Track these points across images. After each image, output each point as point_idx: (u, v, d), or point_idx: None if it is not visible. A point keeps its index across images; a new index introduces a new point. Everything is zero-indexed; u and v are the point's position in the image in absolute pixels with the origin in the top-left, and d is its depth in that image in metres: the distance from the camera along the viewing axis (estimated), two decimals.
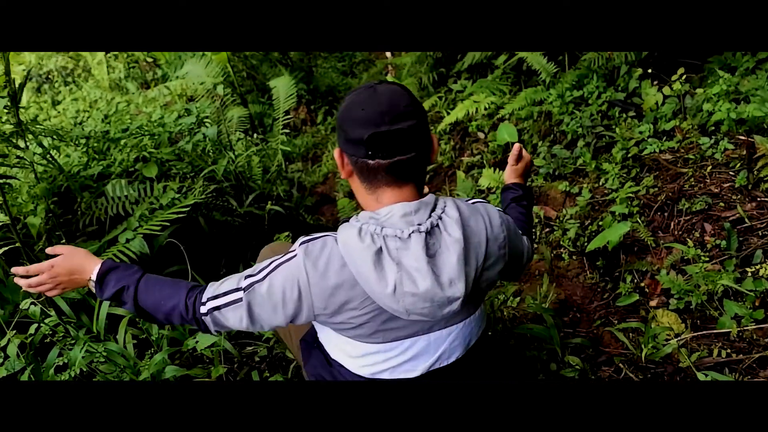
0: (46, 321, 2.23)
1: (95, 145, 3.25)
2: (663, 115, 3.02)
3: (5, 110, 2.45)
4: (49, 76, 6.70)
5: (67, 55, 6.87)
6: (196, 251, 2.90)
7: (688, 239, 2.50)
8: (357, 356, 1.39)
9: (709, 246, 2.43)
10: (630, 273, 2.59)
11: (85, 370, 2.14)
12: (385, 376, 1.40)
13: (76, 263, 1.48)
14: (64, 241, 2.57)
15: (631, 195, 2.76)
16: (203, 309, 1.38)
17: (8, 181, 2.44)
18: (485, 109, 3.85)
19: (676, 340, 2.16)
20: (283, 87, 4.67)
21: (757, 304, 2.14)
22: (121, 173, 3.07)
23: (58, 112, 5.93)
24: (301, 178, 4.85)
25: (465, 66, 4.43)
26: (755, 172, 2.50)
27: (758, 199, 2.47)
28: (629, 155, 2.98)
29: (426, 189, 1.45)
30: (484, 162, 3.81)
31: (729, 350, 2.07)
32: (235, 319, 1.36)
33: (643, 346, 2.18)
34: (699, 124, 2.87)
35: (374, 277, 1.20)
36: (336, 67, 6.85)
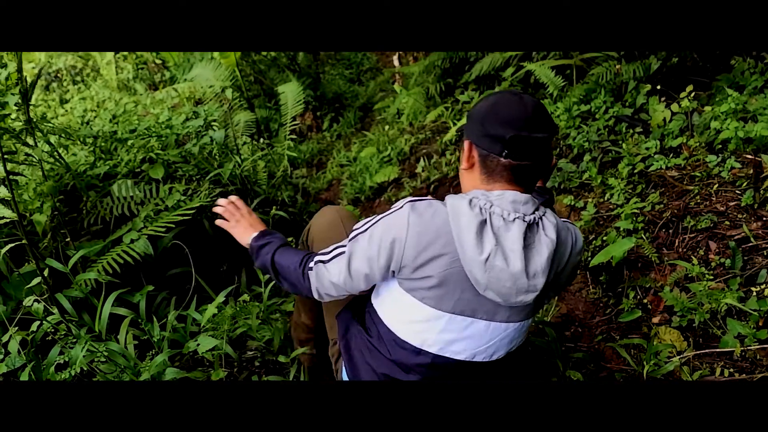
0: (49, 318, 2.23)
1: (102, 144, 3.26)
2: (670, 131, 3.03)
3: (15, 108, 2.46)
4: (58, 75, 6.73)
5: (77, 54, 6.90)
6: (199, 254, 2.90)
7: (693, 257, 2.50)
8: (416, 321, 1.45)
9: (713, 264, 2.43)
10: (633, 289, 2.59)
11: (85, 369, 2.13)
12: (433, 349, 1.47)
13: (256, 218, 1.91)
14: (69, 239, 2.58)
15: (636, 211, 2.76)
16: (311, 263, 1.57)
17: (15, 177, 2.44)
18: None
19: (678, 357, 2.15)
20: (291, 93, 4.69)
21: (761, 324, 2.13)
22: (127, 173, 3.07)
23: (66, 110, 5.95)
24: (306, 184, 4.85)
25: (472, 77, 4.44)
26: (761, 192, 2.50)
27: (764, 218, 2.47)
28: (635, 171, 2.98)
29: None
30: None
31: (732, 369, 2.06)
32: (335, 271, 1.50)
33: (644, 362, 2.17)
34: (706, 141, 2.87)
35: (473, 242, 1.28)
36: (344, 74, 6.88)
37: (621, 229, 2.71)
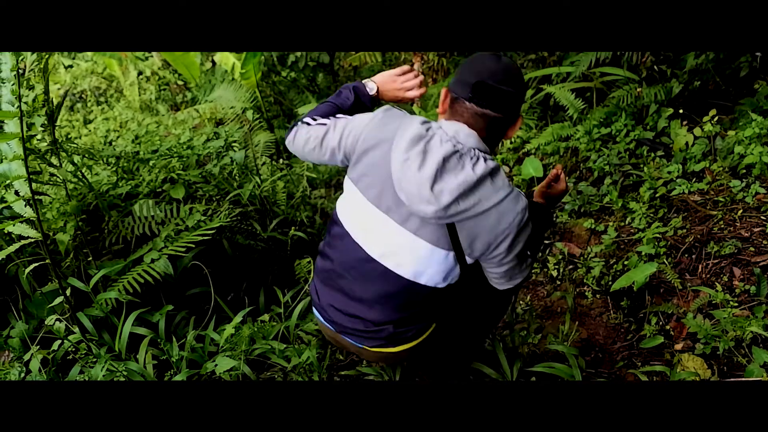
0: (70, 337, 2.25)
1: (125, 164, 3.31)
2: (693, 155, 3.00)
3: (41, 129, 2.51)
4: (83, 96, 6.86)
5: (101, 75, 7.04)
6: (218, 274, 2.91)
7: (716, 283, 2.46)
8: (349, 202, 1.64)
9: (737, 291, 2.39)
10: (655, 315, 2.55)
11: None
12: (354, 235, 1.63)
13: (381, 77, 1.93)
14: (90, 259, 2.60)
15: (658, 235, 2.73)
16: (306, 118, 1.78)
17: (40, 197, 2.48)
18: (511, 142, 3.86)
19: None
20: None
21: None
22: (148, 193, 3.11)
23: (89, 131, 6.06)
24: (324, 205, 4.86)
25: None
26: None
27: None
28: (657, 195, 2.95)
29: None
30: None
31: None
32: (313, 133, 1.71)
33: None
34: (730, 166, 2.84)
35: (405, 145, 1.46)
36: None
37: (643, 253, 2.68)
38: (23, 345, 2.39)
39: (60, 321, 2.23)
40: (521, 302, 2.98)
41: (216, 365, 2.25)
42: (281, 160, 4.54)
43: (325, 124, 1.71)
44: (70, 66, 7.45)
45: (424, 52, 5.45)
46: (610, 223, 3.06)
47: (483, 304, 1.94)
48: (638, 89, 3.49)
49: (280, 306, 2.80)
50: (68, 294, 2.33)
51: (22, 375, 2.22)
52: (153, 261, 2.59)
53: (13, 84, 1.88)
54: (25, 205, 2.11)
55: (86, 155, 2.97)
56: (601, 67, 3.79)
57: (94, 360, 2.22)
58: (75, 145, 2.79)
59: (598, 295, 2.83)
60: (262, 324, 2.57)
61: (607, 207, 3.21)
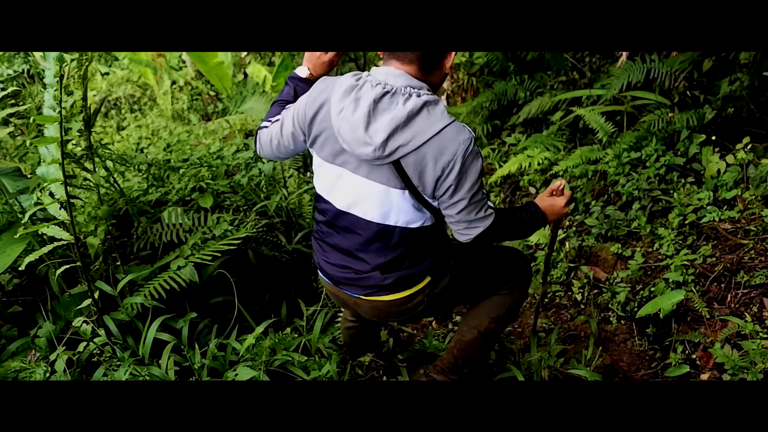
0: (95, 340, 2.28)
1: (156, 172, 3.37)
2: (724, 183, 2.96)
3: (77, 134, 2.57)
4: (117, 103, 7.01)
5: (136, 83, 7.19)
6: (242, 284, 2.94)
7: (746, 313, 2.41)
8: (315, 166, 1.75)
9: None
10: (681, 343, 2.50)
11: None
12: (323, 194, 1.76)
13: (323, 62, 1.96)
14: (119, 263, 2.65)
15: (686, 263, 2.69)
16: (263, 123, 1.90)
17: (73, 201, 2.54)
18: (539, 164, 3.84)
19: None
20: None
21: None
22: (177, 201, 3.16)
23: (122, 137, 6.18)
24: None
25: (520, 119, 4.44)
26: None
27: None
28: (686, 222, 2.91)
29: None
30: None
31: None
32: (274, 130, 1.82)
33: None
34: (762, 195, 2.79)
35: (339, 97, 1.56)
36: None
37: (670, 280, 2.64)
38: (49, 345, 2.44)
39: (87, 323, 2.26)
40: (544, 325, 2.95)
41: (237, 374, 2.26)
42: (308, 173, 4.58)
43: (278, 119, 1.83)
44: (107, 73, 7.62)
45: (454, 71, 5.47)
46: (638, 249, 3.02)
47: (470, 262, 2.00)
48: (670, 114, 3.45)
49: (302, 318, 2.81)
50: (96, 297, 2.37)
51: (47, 375, 2.26)
52: (179, 268, 2.62)
53: (55, 89, 1.94)
54: (60, 208, 2.16)
55: (119, 161, 3.03)
56: (632, 91, 3.76)
57: (118, 363, 2.24)
58: (109, 151, 2.85)
59: (623, 321, 2.79)
60: (284, 336, 2.58)
61: (634, 232, 3.17)
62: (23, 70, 7.05)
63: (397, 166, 1.57)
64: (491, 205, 1.72)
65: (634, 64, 3.67)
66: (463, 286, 2.00)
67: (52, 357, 2.29)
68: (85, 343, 2.28)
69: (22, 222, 2.15)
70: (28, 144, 2.82)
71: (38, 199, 2.08)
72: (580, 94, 4.07)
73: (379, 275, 1.80)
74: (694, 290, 2.58)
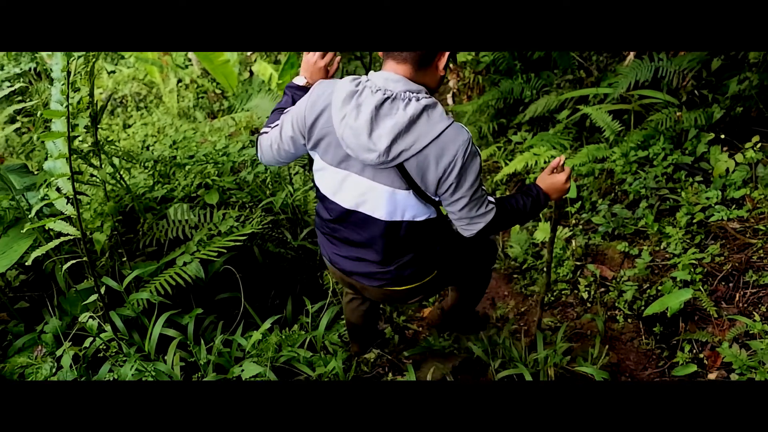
0: (101, 335, 2.28)
1: (162, 168, 3.37)
2: (732, 182, 2.94)
3: (84, 130, 2.57)
4: (123, 101, 7.01)
5: (142, 81, 7.19)
6: (248, 280, 2.94)
7: (755, 313, 2.39)
8: (318, 170, 1.79)
9: None
10: (689, 342, 2.49)
11: None
12: (329, 195, 1.79)
13: (318, 68, 2.01)
14: (125, 259, 2.65)
15: (694, 262, 2.68)
16: (262, 130, 1.93)
17: (80, 197, 2.54)
18: (545, 162, 3.82)
19: None
20: None
21: None
22: (183, 198, 3.15)
23: (128, 135, 6.18)
24: None
25: (526, 118, 4.42)
26: None
27: None
28: (694, 221, 2.89)
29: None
30: (540, 216, 3.76)
31: None
32: (274, 135, 1.84)
33: None
34: None
35: (340, 103, 1.60)
36: None
37: (678, 279, 2.63)
38: (56, 341, 2.44)
39: (93, 319, 2.26)
40: (550, 323, 2.94)
41: (243, 370, 2.26)
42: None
43: (277, 125, 1.85)
44: (113, 71, 7.63)
45: (460, 69, 5.46)
46: (645, 247, 3.00)
47: (469, 254, 2.16)
48: (678, 113, 3.43)
49: (307, 315, 2.80)
50: (102, 293, 2.37)
51: (53, 370, 2.26)
52: (185, 264, 2.62)
53: (63, 84, 1.94)
54: (67, 203, 2.16)
55: (125, 158, 3.03)
56: (639, 90, 3.74)
57: (124, 359, 2.24)
58: (115, 147, 2.85)
59: (629, 320, 2.77)
60: (290, 332, 2.58)
61: (641, 231, 3.16)
62: (30, 68, 7.07)
63: (400, 168, 1.62)
64: (492, 200, 1.77)
65: (642, 62, 3.65)
66: (454, 273, 2.21)
67: (58, 353, 2.30)
68: (91, 339, 2.28)
69: (29, 217, 2.15)
70: (35, 139, 2.83)
71: (45, 194, 2.08)
72: (587, 92, 4.04)
73: (393, 269, 1.91)
74: (701, 289, 2.57)
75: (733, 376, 2.24)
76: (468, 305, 2.63)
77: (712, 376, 2.35)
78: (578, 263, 3.23)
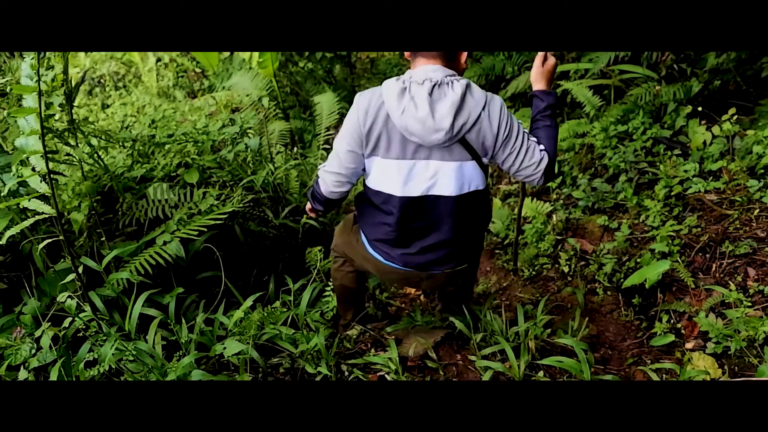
0: (81, 315, 2.26)
1: (140, 148, 3.32)
2: (710, 155, 2.96)
3: (59, 108, 2.52)
4: (101, 81, 6.90)
5: (120, 60, 7.08)
6: (230, 259, 2.92)
7: (730, 282, 2.43)
8: (380, 173, 1.92)
9: (751, 291, 2.36)
10: (667, 313, 2.53)
11: (113, 367, 2.16)
12: (396, 192, 1.92)
13: None
14: (104, 239, 2.62)
15: (672, 233, 2.71)
16: (318, 172, 2.09)
17: (56, 177, 2.50)
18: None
19: None
20: (326, 103, 4.73)
21: None
22: (163, 177, 3.12)
23: (107, 115, 6.09)
24: None
25: (508, 94, 4.42)
26: None
27: None
28: (672, 193, 2.92)
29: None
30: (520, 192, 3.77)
31: None
32: (331, 163, 2.01)
33: None
34: (748, 166, 2.81)
35: (396, 101, 1.78)
36: None
37: (656, 251, 2.66)
38: (35, 322, 2.41)
39: (71, 298, 2.24)
40: (531, 297, 2.97)
41: (225, 348, 2.26)
42: (296, 149, 4.55)
43: (330, 158, 2.02)
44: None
45: None
46: (624, 221, 3.03)
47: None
48: (657, 87, 3.45)
49: (290, 294, 2.80)
50: (80, 272, 2.35)
51: (33, 351, 2.25)
52: (165, 243, 2.60)
53: (32, 58, 1.90)
54: (41, 181, 2.13)
55: (103, 137, 2.99)
56: (619, 65, 3.75)
57: (104, 338, 2.23)
58: (92, 126, 2.81)
59: (609, 292, 2.81)
60: (273, 309, 2.57)
61: (621, 204, 3.18)
62: None
63: (462, 142, 1.84)
64: (534, 139, 1.96)
65: None
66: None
67: (37, 333, 2.28)
68: (70, 319, 2.26)
69: (2, 195, 2.11)
70: (6, 116, 2.77)
71: (19, 172, 2.04)
72: (567, 68, 4.05)
73: (461, 246, 2.11)
74: (679, 260, 2.60)
75: (710, 345, 2.28)
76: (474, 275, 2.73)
77: (689, 345, 2.39)
78: (559, 237, 3.26)
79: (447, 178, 1.89)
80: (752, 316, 2.23)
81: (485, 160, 1.93)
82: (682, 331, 2.43)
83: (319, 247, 2.99)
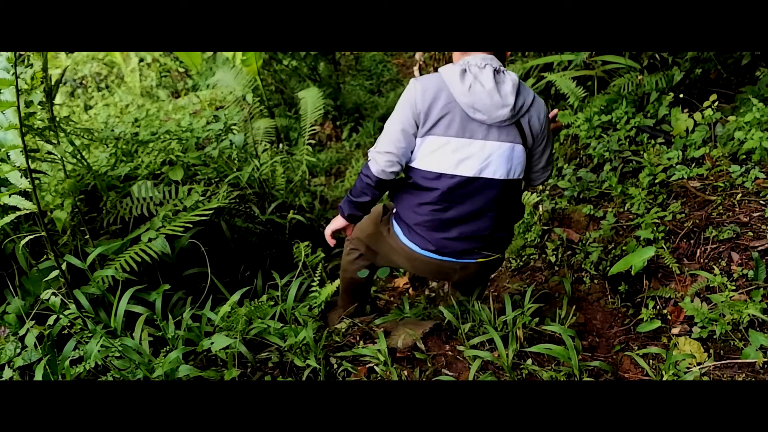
0: (65, 313, 2.24)
1: (124, 146, 3.30)
2: (693, 142, 2.99)
3: (39, 106, 2.50)
4: (83, 82, 6.84)
5: (102, 61, 7.02)
6: (217, 255, 2.91)
7: (715, 267, 2.45)
8: (433, 150, 1.96)
9: (735, 275, 2.38)
10: (653, 299, 2.55)
11: (99, 364, 2.14)
12: (448, 171, 1.96)
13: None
14: (88, 237, 2.60)
15: (656, 220, 2.72)
16: (369, 154, 2.10)
17: (37, 176, 2.47)
18: None
19: (698, 368, 2.11)
20: (311, 99, 4.71)
21: None
22: (147, 175, 3.09)
23: (90, 116, 6.04)
24: (324, 192, 4.85)
25: None
26: None
27: None
28: (656, 181, 2.94)
29: None
30: None
31: (753, 381, 2.01)
32: (383, 142, 2.02)
33: (663, 373, 2.12)
34: (730, 152, 2.83)
35: (458, 81, 1.86)
36: (363, 85, 6.90)
37: (641, 238, 2.67)
38: (19, 321, 2.39)
39: (56, 295, 2.22)
40: (519, 287, 2.98)
41: (212, 343, 2.24)
42: (281, 146, 4.54)
43: (382, 140, 2.03)
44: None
45: None
46: (609, 209, 3.05)
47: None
48: (639, 77, 3.47)
49: (277, 289, 2.79)
50: (64, 269, 2.32)
51: (18, 350, 2.22)
52: (150, 240, 2.58)
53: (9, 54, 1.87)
54: (21, 177, 2.10)
55: (85, 136, 2.96)
56: (602, 56, 3.77)
57: (90, 335, 2.21)
58: (74, 123, 2.78)
59: (596, 280, 2.82)
60: (260, 304, 2.56)
61: (606, 193, 3.20)
62: None
63: (518, 125, 1.95)
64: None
65: None
66: None
67: (21, 332, 2.25)
68: (55, 317, 2.24)
69: None
70: None
71: None
72: (551, 59, 4.06)
73: (499, 235, 2.17)
74: (664, 247, 2.62)
75: (695, 330, 2.30)
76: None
77: (675, 330, 2.41)
78: (545, 227, 3.27)
79: (500, 159, 1.96)
80: (736, 299, 2.25)
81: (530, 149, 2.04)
82: (668, 317, 2.45)
83: (306, 242, 2.98)
